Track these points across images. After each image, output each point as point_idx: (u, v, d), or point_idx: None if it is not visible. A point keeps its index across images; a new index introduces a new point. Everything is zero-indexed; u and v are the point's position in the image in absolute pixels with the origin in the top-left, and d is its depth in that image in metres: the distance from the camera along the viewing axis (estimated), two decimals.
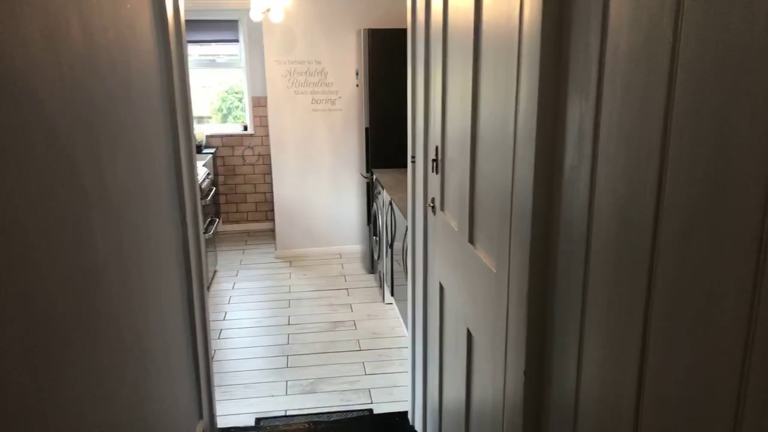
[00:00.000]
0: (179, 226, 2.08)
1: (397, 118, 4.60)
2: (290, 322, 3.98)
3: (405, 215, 3.24)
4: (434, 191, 1.94)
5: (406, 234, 3.28)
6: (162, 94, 1.86)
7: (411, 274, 2.52)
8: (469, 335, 1.63)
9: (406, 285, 2.75)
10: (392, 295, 4.01)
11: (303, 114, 5.09)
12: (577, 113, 0.99)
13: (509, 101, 1.21)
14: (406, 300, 3.30)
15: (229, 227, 6.15)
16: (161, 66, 1.85)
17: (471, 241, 1.57)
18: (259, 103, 5.88)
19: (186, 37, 2.14)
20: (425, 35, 1.95)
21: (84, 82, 1.24)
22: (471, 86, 1.46)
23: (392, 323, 3.94)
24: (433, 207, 1.98)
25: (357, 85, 4.88)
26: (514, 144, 1.20)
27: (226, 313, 4.15)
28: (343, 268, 5.01)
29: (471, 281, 1.58)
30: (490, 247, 1.43)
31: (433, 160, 1.87)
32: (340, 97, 5.10)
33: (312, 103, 5.07)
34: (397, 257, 3.67)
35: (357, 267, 5.02)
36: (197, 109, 6.19)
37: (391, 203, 3.81)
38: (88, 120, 1.26)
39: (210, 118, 6.21)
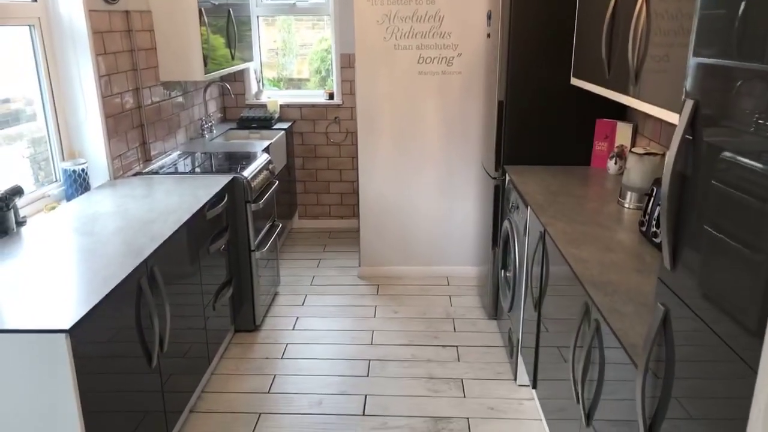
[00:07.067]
0: None
1: (556, 87, 2.92)
2: (366, 411, 2.52)
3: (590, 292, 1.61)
4: None
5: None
6: None
7: None
8: None
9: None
10: (534, 386, 2.42)
11: (405, 77, 3.53)
12: None
13: None
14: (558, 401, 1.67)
15: (306, 223, 4.78)
16: None
17: None
18: (350, 63, 4.39)
19: None
20: None
21: None
22: None
23: (531, 431, 2.36)
24: None
25: (488, 36, 3.23)
26: None
27: (274, 377, 2.76)
28: (451, 304, 3.46)
29: None
30: None
31: None
32: (460, 54, 3.48)
33: (419, 62, 3.49)
34: (550, 334, 2.05)
35: (472, 304, 3.46)
36: (294, 71, 4.83)
37: (543, 235, 2.19)
38: None
39: (308, 80, 4.84)
